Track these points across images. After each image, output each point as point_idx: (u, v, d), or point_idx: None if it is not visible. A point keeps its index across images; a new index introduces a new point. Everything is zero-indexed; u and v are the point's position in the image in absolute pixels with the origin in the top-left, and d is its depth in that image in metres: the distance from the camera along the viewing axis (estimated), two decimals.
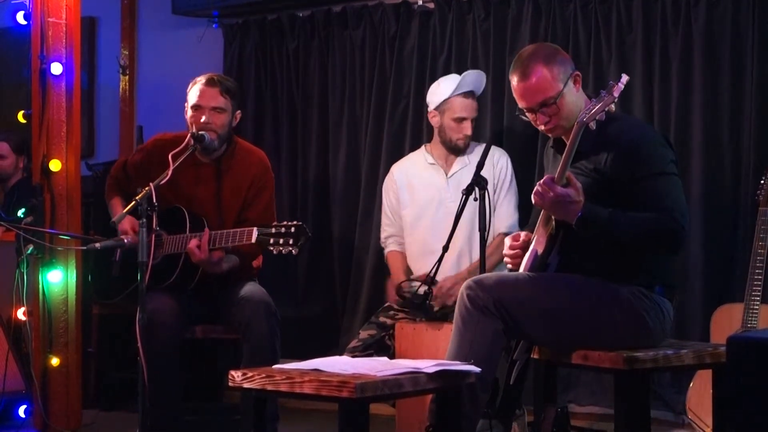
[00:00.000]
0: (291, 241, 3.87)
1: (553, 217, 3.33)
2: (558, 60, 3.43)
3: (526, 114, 3.46)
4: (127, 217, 4.10)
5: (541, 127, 3.46)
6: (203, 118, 4.28)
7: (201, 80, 4.36)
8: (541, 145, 4.73)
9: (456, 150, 4.78)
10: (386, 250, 4.95)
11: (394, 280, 4.84)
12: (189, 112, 4.34)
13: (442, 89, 4.75)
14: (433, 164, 4.83)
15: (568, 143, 3.31)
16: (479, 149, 4.64)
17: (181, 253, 4.18)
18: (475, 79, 4.77)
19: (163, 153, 4.06)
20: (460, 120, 4.72)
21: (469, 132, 4.73)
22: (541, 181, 3.27)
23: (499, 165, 4.76)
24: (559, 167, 3.29)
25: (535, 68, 3.39)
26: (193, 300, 4.30)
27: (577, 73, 3.46)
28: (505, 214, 4.75)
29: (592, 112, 3.21)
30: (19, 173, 5.83)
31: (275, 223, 3.94)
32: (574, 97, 3.43)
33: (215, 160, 4.41)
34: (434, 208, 4.78)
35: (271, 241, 3.90)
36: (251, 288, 4.31)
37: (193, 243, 4.12)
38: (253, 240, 3.95)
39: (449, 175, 4.79)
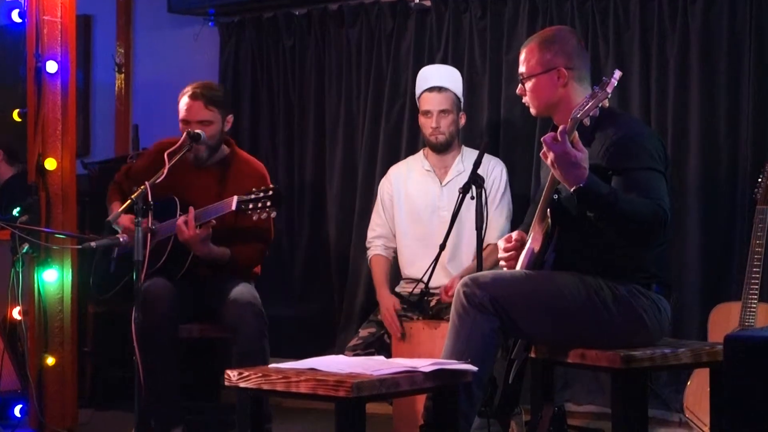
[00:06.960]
0: (269, 204, 4.04)
1: (548, 216, 3.32)
2: (552, 49, 3.48)
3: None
4: (123, 216, 4.13)
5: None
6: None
7: (187, 92, 4.44)
8: (537, 148, 4.70)
9: (435, 148, 4.68)
10: (371, 253, 4.82)
11: (377, 287, 4.72)
12: (180, 124, 4.41)
13: (416, 88, 4.75)
14: (429, 171, 4.73)
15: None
16: (474, 155, 4.34)
17: (170, 237, 4.22)
18: (434, 75, 4.70)
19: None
20: (426, 114, 4.65)
21: (434, 124, 4.62)
22: (557, 132, 3.17)
23: (493, 174, 4.64)
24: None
25: (531, 44, 3.56)
26: (185, 292, 4.31)
27: (565, 72, 3.45)
28: (495, 224, 4.57)
29: (585, 109, 3.21)
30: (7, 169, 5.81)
31: (254, 189, 4.08)
32: (549, 90, 3.47)
33: (216, 166, 4.47)
34: (428, 216, 4.69)
35: (251, 206, 4.06)
36: (241, 289, 4.32)
37: (180, 219, 4.19)
38: (233, 208, 4.09)
39: (444, 183, 4.69)
